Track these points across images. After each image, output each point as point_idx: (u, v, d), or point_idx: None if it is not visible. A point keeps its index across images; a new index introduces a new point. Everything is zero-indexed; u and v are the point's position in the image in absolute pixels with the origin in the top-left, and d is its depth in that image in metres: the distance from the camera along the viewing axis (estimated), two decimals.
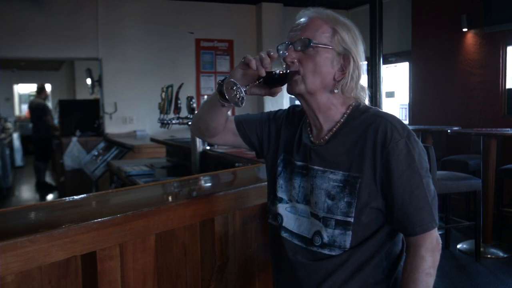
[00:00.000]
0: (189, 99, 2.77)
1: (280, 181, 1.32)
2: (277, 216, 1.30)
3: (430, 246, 1.14)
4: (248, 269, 1.64)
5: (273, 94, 1.19)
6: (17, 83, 13.20)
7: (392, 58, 6.41)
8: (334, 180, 1.18)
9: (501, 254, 3.71)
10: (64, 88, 12.04)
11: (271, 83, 1.16)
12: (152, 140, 4.68)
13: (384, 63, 5.76)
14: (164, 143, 4.16)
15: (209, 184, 1.78)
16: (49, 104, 7.97)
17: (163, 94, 2.90)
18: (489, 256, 3.69)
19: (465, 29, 5.07)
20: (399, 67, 6.58)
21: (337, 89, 1.20)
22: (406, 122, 6.20)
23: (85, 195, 1.43)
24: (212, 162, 2.94)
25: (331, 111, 1.23)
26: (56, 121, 8.18)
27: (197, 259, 1.45)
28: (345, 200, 1.16)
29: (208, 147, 3.08)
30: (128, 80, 6.26)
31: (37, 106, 7.70)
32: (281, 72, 1.16)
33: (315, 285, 1.21)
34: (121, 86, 6.25)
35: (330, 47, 1.17)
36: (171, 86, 2.90)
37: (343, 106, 1.23)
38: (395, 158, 1.13)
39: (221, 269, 1.49)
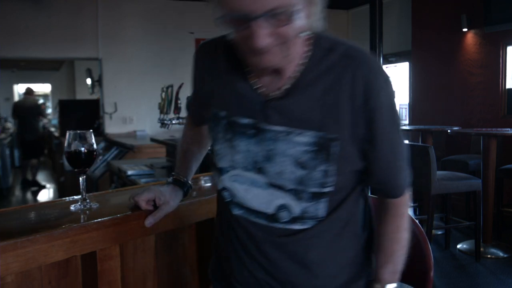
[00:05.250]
0: (189, 99, 2.76)
1: (217, 146, 1.03)
2: (223, 191, 1.04)
3: (408, 202, 1.06)
4: None
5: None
6: (17, 83, 13.21)
7: (392, 58, 6.41)
8: (304, 143, 0.91)
9: (501, 254, 3.71)
10: (64, 88, 12.05)
11: None
12: (152, 140, 4.68)
13: (384, 63, 5.78)
14: (164, 143, 4.16)
15: (209, 184, 1.77)
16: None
17: (163, 94, 2.90)
18: (489, 256, 3.69)
19: (465, 29, 5.07)
20: (399, 67, 6.58)
21: (307, 30, 0.89)
22: (406, 122, 6.19)
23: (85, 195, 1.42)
24: (212, 162, 2.93)
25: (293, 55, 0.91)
26: (56, 121, 8.19)
27: (197, 259, 1.45)
28: (321, 168, 0.91)
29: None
30: (128, 80, 6.26)
31: (30, 105, 7.70)
32: None
33: (299, 262, 0.98)
34: (121, 86, 6.25)
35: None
36: (171, 86, 2.90)
37: (302, 43, 0.92)
38: (380, 112, 0.93)
39: None
